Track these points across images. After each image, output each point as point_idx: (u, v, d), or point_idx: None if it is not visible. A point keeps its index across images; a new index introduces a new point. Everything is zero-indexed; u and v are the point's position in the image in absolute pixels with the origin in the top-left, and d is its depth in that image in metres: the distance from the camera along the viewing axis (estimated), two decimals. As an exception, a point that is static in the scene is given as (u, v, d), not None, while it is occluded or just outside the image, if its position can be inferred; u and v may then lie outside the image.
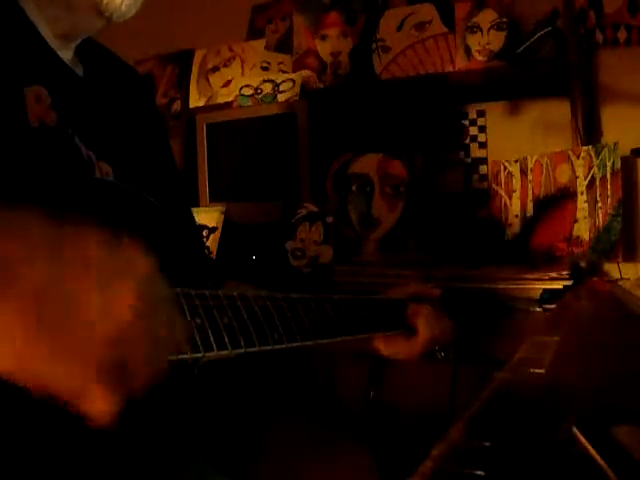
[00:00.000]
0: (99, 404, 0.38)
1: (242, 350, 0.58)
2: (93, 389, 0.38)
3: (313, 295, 0.73)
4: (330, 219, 1.60)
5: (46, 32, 0.70)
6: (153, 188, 0.76)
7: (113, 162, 0.71)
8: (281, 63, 1.91)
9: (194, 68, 2.06)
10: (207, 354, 0.54)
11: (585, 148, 1.43)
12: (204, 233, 1.65)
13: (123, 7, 0.71)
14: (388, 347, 0.90)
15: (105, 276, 0.39)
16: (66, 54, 0.74)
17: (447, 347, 0.96)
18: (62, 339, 0.37)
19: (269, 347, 0.62)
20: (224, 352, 0.56)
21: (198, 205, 1.76)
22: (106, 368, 0.38)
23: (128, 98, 0.84)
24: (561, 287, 1.22)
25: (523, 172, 1.52)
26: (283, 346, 0.64)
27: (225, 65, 2.01)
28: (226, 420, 0.85)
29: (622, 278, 1.34)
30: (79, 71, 0.76)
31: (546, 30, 1.49)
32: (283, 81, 1.77)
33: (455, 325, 0.94)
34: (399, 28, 1.70)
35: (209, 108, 1.95)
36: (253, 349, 0.59)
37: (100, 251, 0.39)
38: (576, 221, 1.42)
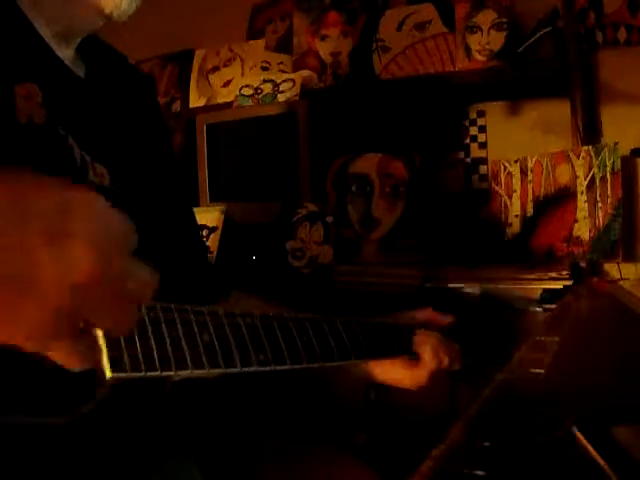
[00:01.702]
0: (61, 355, 0.38)
1: (221, 370, 0.54)
2: (54, 342, 0.38)
3: (311, 315, 0.69)
4: (330, 219, 1.60)
5: (44, 31, 0.70)
6: (151, 191, 0.76)
7: (110, 164, 0.70)
8: (281, 63, 1.91)
9: (194, 68, 2.06)
10: (179, 373, 0.50)
11: (585, 148, 1.43)
12: (204, 233, 1.64)
13: (124, 4, 0.70)
14: (387, 374, 0.86)
15: (54, 232, 0.37)
16: (66, 53, 0.73)
17: (457, 374, 0.92)
18: (17, 293, 0.36)
19: (253, 368, 0.57)
20: (200, 372, 0.52)
21: (198, 205, 1.76)
22: (64, 320, 0.37)
23: (130, 98, 0.84)
24: (561, 287, 1.22)
25: (523, 172, 1.52)
26: (268, 368, 0.59)
27: (225, 65, 2.01)
28: (221, 429, 0.84)
29: (622, 278, 1.34)
30: (80, 71, 0.76)
31: (546, 30, 1.49)
32: (283, 81, 1.77)
33: (465, 352, 0.90)
34: (399, 28, 1.70)
35: (209, 108, 1.95)
36: (234, 370, 0.55)
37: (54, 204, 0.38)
38: (576, 221, 1.42)
